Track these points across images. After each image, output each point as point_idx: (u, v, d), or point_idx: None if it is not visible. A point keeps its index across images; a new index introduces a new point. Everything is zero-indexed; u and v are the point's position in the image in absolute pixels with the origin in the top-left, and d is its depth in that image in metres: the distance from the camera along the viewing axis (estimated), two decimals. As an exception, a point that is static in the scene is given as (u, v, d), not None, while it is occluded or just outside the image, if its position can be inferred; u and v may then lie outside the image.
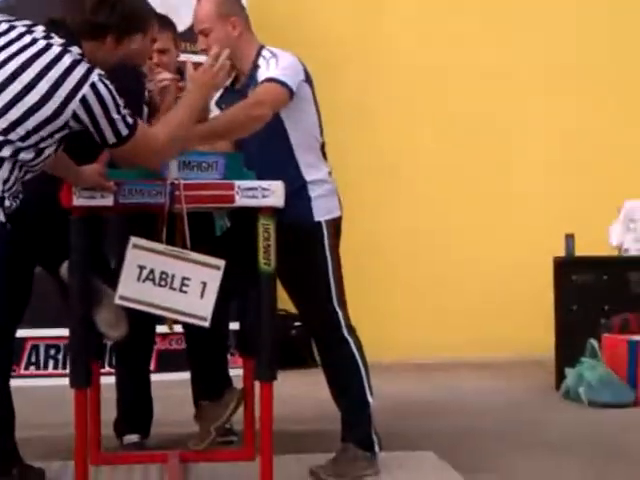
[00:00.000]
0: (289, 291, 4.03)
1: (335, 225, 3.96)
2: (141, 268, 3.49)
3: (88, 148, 3.70)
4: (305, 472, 3.88)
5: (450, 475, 3.97)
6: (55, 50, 3.08)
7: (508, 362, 6.97)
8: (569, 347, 5.93)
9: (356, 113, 7.30)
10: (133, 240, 3.53)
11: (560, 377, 5.91)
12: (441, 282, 7.38)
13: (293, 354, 6.86)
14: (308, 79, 3.91)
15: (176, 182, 3.54)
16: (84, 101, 3.06)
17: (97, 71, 3.10)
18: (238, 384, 4.21)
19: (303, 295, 3.97)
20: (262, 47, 3.92)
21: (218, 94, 3.99)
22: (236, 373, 4.48)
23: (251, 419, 4.11)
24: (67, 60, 3.07)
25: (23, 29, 3.12)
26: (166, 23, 4.40)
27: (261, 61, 3.85)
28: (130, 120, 3.18)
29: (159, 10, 4.37)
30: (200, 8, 3.93)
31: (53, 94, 3.03)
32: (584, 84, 7.53)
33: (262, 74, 3.80)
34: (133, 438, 4.42)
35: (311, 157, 3.96)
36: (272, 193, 3.56)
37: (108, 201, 3.52)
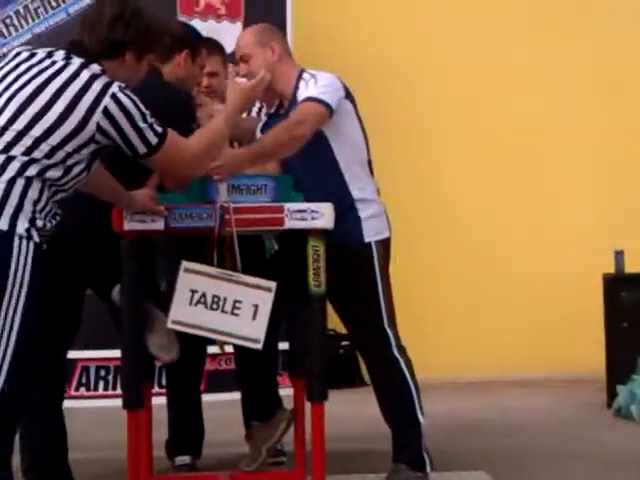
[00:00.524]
0: (339, 311, 4.03)
1: (385, 246, 3.97)
2: (193, 292, 3.52)
3: (138, 172, 3.75)
4: (356, 493, 3.87)
5: (502, 495, 3.95)
6: (73, 68, 3.10)
7: (558, 380, 6.91)
8: (620, 364, 5.88)
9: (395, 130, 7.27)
10: (185, 264, 3.56)
11: (612, 395, 5.86)
12: (488, 299, 7.32)
13: (341, 373, 6.86)
14: (349, 96, 3.94)
15: (226, 205, 3.57)
16: (107, 112, 3.06)
17: (117, 83, 3.11)
18: (287, 404, 4.22)
19: (353, 315, 3.98)
20: (303, 71, 3.96)
21: (262, 122, 4.03)
22: (285, 393, 4.49)
23: (302, 439, 4.12)
24: (85, 75, 3.09)
25: (43, 55, 3.15)
26: (215, 46, 4.45)
27: (301, 83, 3.90)
28: (159, 128, 3.17)
29: (206, 34, 4.44)
30: (241, 36, 4.08)
31: (74, 108, 3.04)
32: (635, 96, 7.44)
33: (302, 94, 3.84)
34: (185, 459, 4.43)
35: (359, 174, 3.97)
36: (321, 215, 3.58)
37: (159, 225, 3.56)
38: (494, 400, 6.44)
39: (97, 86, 3.07)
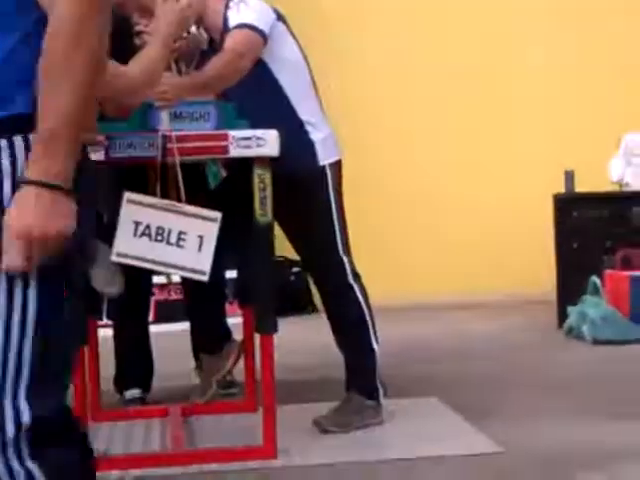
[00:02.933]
0: (292, 239, 3.97)
1: (338, 169, 3.89)
2: (137, 224, 3.43)
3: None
4: (308, 423, 3.84)
5: (455, 420, 3.94)
6: None
7: (509, 302, 6.94)
8: (571, 285, 5.89)
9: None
10: (127, 195, 3.46)
11: (563, 315, 5.88)
12: (439, 224, 7.33)
13: (292, 300, 6.83)
14: (280, 18, 3.86)
15: (168, 134, 3.47)
16: None
17: None
18: (237, 333, 4.17)
19: (307, 243, 3.91)
20: (228, 1, 3.87)
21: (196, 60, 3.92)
22: (235, 321, 4.44)
23: (252, 370, 4.08)
24: None
25: None
26: None
27: (229, 12, 3.80)
28: None
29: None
30: None
31: None
32: (583, 16, 7.39)
33: (233, 19, 3.75)
34: (134, 393, 4.37)
35: (305, 96, 3.89)
36: (267, 142, 3.48)
37: (99, 156, 3.44)
38: (444, 324, 6.46)
39: None
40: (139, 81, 3.20)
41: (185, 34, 4.24)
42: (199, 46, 3.97)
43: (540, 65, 7.39)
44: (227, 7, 3.83)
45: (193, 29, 4.34)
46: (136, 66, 3.22)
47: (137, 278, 4.04)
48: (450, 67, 7.34)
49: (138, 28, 3.92)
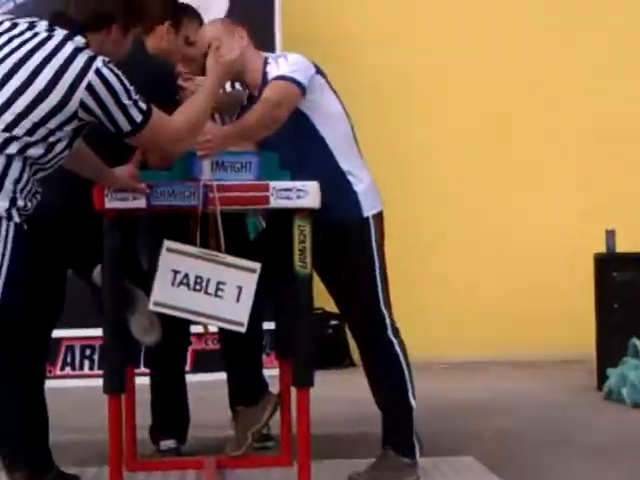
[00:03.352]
0: (332, 290, 3.95)
1: (380, 220, 3.89)
2: (175, 272, 3.44)
3: (120, 149, 3.66)
4: (343, 478, 3.79)
5: (491, 481, 3.89)
6: (56, 40, 2.99)
7: (548, 362, 6.86)
8: (611, 346, 5.81)
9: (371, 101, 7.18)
10: (167, 243, 3.47)
11: (602, 378, 5.80)
12: (478, 281, 7.27)
13: (329, 353, 6.79)
14: (319, 72, 3.89)
15: (209, 183, 3.49)
16: (90, 88, 2.95)
17: (101, 58, 3.00)
18: (274, 385, 4.14)
19: (348, 295, 3.89)
20: (267, 57, 3.92)
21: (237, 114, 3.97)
22: (273, 373, 4.41)
23: (288, 424, 4.04)
24: (69, 48, 2.98)
25: (25, 25, 3.04)
26: (193, 14, 4.33)
27: (269, 67, 3.85)
28: (143, 105, 3.07)
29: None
30: (207, 28, 4.01)
31: (56, 83, 2.93)
32: (622, 83, 7.37)
33: (273, 73, 3.79)
34: (169, 444, 4.35)
35: (346, 147, 3.90)
36: (307, 194, 3.49)
37: (141, 203, 3.47)
38: (484, 381, 6.39)
39: (80, 60, 2.96)
40: (184, 130, 3.22)
41: (229, 89, 4.30)
42: (240, 101, 4.01)
43: (583, 122, 7.35)
44: (266, 63, 3.87)
45: (237, 85, 4.40)
46: (181, 116, 3.25)
47: (176, 327, 4.04)
48: (484, 125, 7.31)
49: (179, 83, 3.98)
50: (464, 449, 4.36)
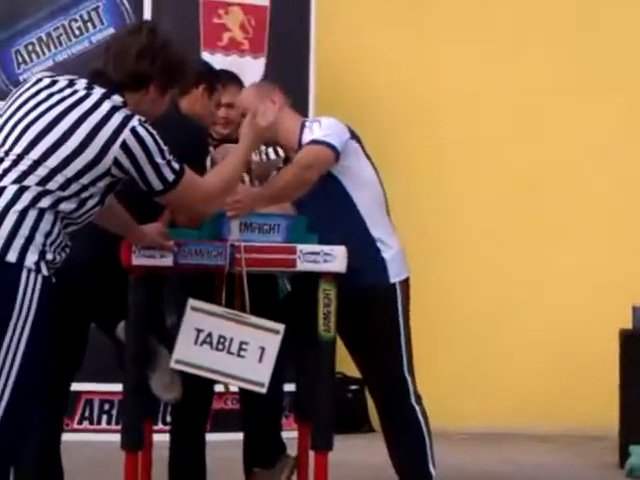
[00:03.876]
0: (355, 354, 3.95)
1: (406, 286, 3.89)
2: (198, 331, 3.44)
3: (150, 207, 3.68)
4: None
5: None
6: (94, 98, 3.01)
7: (572, 436, 6.77)
8: (634, 424, 5.74)
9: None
10: (191, 302, 3.48)
11: (624, 455, 5.73)
12: (502, 351, 7.22)
13: (348, 418, 6.74)
14: (354, 136, 3.92)
15: (237, 244, 3.50)
16: (125, 146, 2.98)
17: (138, 117, 3.03)
18: (292, 448, 4.11)
19: (372, 359, 3.89)
20: (304, 120, 3.98)
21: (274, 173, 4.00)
22: (291, 436, 4.38)
23: (305, 488, 4.01)
24: (106, 106, 3.00)
25: (65, 83, 3.07)
26: (232, 78, 4.41)
27: (305, 130, 3.90)
28: (176, 165, 3.09)
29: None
30: (243, 93, 4.14)
31: (92, 140, 2.95)
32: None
33: (307, 138, 3.84)
34: (185, 502, 4.31)
35: (377, 214, 3.93)
36: (334, 258, 3.50)
37: (168, 261, 3.48)
38: (505, 453, 6.32)
39: (117, 119, 2.99)
40: (217, 191, 3.22)
41: (265, 159, 4.36)
42: (275, 168, 4.06)
43: (605, 189, 7.32)
44: (303, 126, 3.91)
45: (272, 155, 4.45)
46: (214, 177, 3.27)
47: (200, 385, 4.02)
48: (510, 190, 7.31)
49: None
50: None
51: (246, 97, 4.01)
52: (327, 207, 3.81)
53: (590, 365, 6.96)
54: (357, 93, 7.06)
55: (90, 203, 3.03)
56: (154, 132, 3.05)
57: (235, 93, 4.37)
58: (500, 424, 6.91)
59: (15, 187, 2.90)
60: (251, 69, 6.13)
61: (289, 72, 6.21)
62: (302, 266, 3.50)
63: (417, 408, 3.84)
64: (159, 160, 3.04)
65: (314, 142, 3.78)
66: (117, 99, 3.05)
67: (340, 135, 3.83)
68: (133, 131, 2.99)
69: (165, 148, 3.07)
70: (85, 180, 2.97)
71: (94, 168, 2.97)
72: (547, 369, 7.14)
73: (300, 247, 3.51)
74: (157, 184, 3.07)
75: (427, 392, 3.98)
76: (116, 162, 2.99)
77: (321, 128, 3.82)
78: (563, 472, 5.76)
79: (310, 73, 6.55)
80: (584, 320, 7.12)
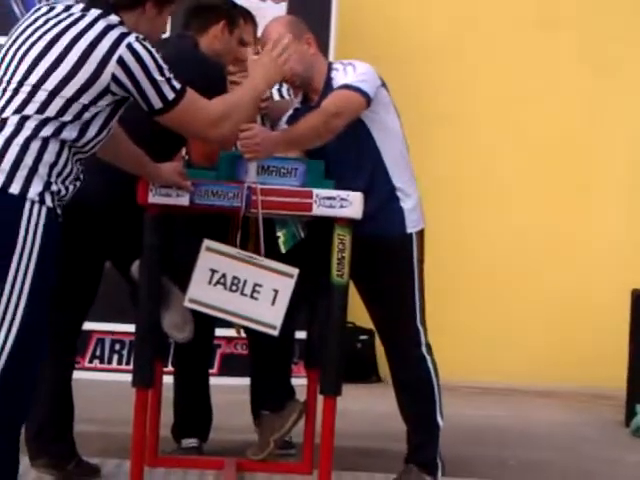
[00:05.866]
0: (369, 303, 3.93)
1: (422, 238, 3.88)
2: (213, 272, 3.45)
3: (167, 145, 3.67)
4: (364, 492, 3.79)
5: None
6: (89, 19, 3.00)
7: (581, 394, 6.78)
8: (641, 383, 5.75)
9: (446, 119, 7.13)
10: (207, 243, 3.48)
11: (630, 413, 5.74)
12: (516, 308, 7.21)
13: (357, 368, 6.76)
14: (384, 85, 3.86)
15: (253, 186, 3.49)
16: (122, 62, 2.95)
17: (135, 34, 3.01)
18: (301, 394, 4.13)
19: (385, 308, 3.88)
20: (331, 63, 3.90)
21: (289, 113, 3.92)
22: (300, 383, 4.40)
23: (311, 433, 4.03)
24: (101, 24, 2.98)
25: (61, 8, 3.05)
26: (248, 16, 4.34)
27: (334, 73, 3.80)
28: (176, 84, 3.05)
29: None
30: (271, 29, 3.83)
31: (88, 57, 2.93)
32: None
33: (339, 80, 3.74)
34: (192, 442, 4.35)
35: (400, 164, 3.88)
36: (351, 204, 3.49)
37: (184, 200, 3.48)
38: (513, 408, 6.34)
39: (112, 35, 2.97)
40: (221, 114, 3.15)
41: (278, 97, 4.30)
42: (286, 111, 3.98)
43: (626, 151, 7.29)
44: (330, 69, 3.83)
45: (285, 95, 4.39)
46: (219, 101, 3.23)
47: (202, 329, 4.03)
48: (529, 147, 7.28)
49: (231, 78, 3.98)
50: (485, 474, 4.33)
51: (275, 30, 3.79)
52: (353, 152, 3.75)
53: (604, 324, 6.96)
54: (379, 37, 7.00)
55: (94, 128, 3.00)
56: (152, 49, 3.01)
57: (250, 32, 4.32)
58: (510, 379, 6.92)
59: (16, 118, 2.90)
60: (271, 15, 6.06)
61: (311, 19, 6.15)
62: (318, 210, 3.49)
63: (428, 358, 3.85)
64: (157, 77, 3.01)
65: (346, 87, 3.68)
66: (113, 18, 3.03)
67: (373, 83, 3.75)
68: (129, 47, 2.97)
69: (165, 66, 3.04)
70: (85, 99, 2.95)
71: (92, 86, 2.95)
72: (560, 327, 7.14)
73: (317, 191, 3.50)
74: (157, 102, 3.04)
75: (438, 344, 3.98)
76: (114, 78, 2.96)
77: (355, 73, 3.72)
78: (570, 429, 5.77)
79: (332, 19, 6.49)
80: (599, 280, 7.12)
